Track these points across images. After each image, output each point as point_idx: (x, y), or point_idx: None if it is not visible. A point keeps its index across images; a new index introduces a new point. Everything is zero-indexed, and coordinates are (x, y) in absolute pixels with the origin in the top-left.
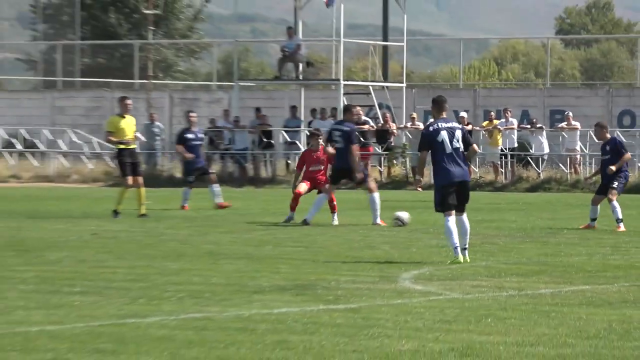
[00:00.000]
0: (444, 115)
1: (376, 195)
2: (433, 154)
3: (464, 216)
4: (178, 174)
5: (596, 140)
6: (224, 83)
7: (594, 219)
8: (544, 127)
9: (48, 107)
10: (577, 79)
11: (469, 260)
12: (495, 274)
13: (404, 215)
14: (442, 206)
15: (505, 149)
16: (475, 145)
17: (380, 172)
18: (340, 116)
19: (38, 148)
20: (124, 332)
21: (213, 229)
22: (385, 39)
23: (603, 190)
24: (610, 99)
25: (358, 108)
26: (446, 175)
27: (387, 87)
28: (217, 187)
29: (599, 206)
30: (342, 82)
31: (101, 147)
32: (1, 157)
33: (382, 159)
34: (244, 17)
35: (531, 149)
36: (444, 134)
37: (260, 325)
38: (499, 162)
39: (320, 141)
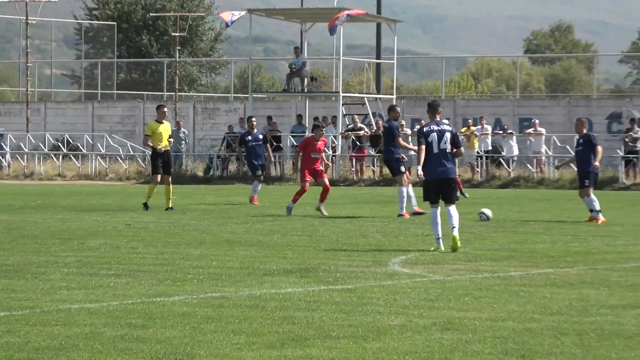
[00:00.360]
0: (438, 118)
1: (403, 189)
2: (425, 152)
3: (452, 207)
4: (200, 172)
5: (559, 145)
6: (240, 95)
7: (592, 210)
8: (514, 132)
9: (89, 116)
10: (542, 92)
11: (459, 242)
12: (472, 259)
13: (488, 211)
14: (428, 198)
15: (481, 151)
16: (462, 149)
17: (374, 172)
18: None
19: (80, 151)
20: (152, 309)
21: (229, 220)
22: (378, 57)
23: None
24: (571, 109)
25: (398, 108)
26: (431, 172)
27: (379, 98)
28: (259, 187)
29: (586, 197)
30: (341, 94)
31: (134, 150)
32: (49, 159)
33: (375, 160)
34: (257, 38)
35: (503, 151)
36: (434, 136)
37: (269, 303)
38: (476, 163)
39: (323, 133)
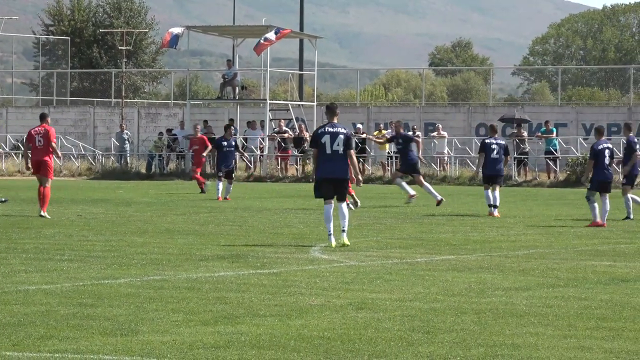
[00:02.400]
0: (335, 120)
1: (427, 184)
2: (318, 152)
3: (344, 205)
4: (143, 170)
5: (459, 146)
6: (179, 101)
7: (490, 205)
8: (420, 135)
9: None
10: (445, 100)
11: (348, 243)
12: (383, 246)
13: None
14: (319, 195)
15: (391, 152)
16: (352, 151)
17: (297, 169)
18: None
19: None
20: (100, 290)
21: (170, 211)
22: (300, 69)
23: None
24: (470, 115)
25: (399, 121)
26: (322, 171)
27: (302, 105)
28: (231, 187)
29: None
30: (268, 101)
31: (85, 149)
32: (10, 157)
33: (298, 159)
34: (194, 51)
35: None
36: (326, 137)
37: (204, 285)
38: (386, 162)
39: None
